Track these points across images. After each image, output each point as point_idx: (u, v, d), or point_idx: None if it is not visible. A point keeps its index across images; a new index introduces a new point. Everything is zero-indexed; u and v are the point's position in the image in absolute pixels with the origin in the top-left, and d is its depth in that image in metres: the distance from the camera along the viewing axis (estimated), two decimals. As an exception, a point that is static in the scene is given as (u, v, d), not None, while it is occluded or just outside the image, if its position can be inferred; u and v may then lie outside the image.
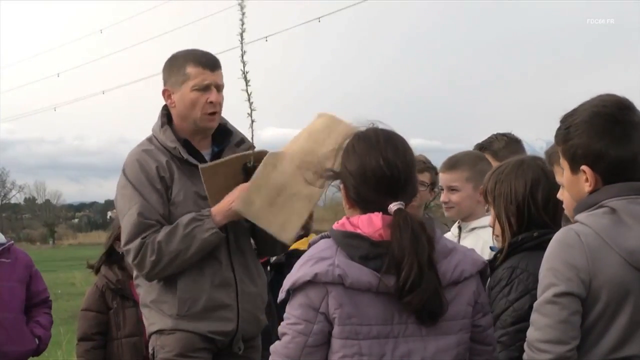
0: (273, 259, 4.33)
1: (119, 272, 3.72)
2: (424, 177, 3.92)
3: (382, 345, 1.82)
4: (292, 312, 1.85)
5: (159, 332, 2.92)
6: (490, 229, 2.44)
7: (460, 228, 3.21)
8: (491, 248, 2.68)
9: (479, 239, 3.01)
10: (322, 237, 1.93)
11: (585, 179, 1.95)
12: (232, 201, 2.85)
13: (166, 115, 3.03)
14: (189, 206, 2.91)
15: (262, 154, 2.91)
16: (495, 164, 3.24)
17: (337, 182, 1.99)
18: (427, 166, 3.96)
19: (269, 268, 4.31)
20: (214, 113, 2.97)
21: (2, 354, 3.76)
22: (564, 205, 2.09)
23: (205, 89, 2.94)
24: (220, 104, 2.98)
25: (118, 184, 2.99)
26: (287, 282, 1.86)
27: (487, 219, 2.61)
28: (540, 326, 1.87)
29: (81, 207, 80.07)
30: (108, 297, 3.69)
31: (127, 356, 3.62)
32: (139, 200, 2.87)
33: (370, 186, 1.89)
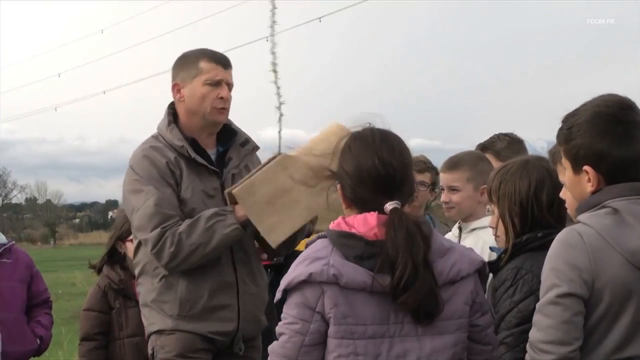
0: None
1: (122, 272, 3.72)
2: (425, 177, 3.92)
3: (378, 345, 1.82)
4: (289, 311, 1.85)
5: (159, 332, 2.91)
6: (491, 230, 2.44)
7: (460, 229, 3.20)
8: (491, 248, 2.68)
9: (479, 239, 3.00)
10: (319, 237, 1.94)
11: (588, 179, 1.94)
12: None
13: (172, 114, 3.03)
14: (196, 204, 2.89)
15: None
16: (497, 164, 3.24)
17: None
18: (428, 166, 3.96)
19: (268, 269, 4.31)
20: (223, 109, 2.98)
21: (3, 354, 3.76)
22: (566, 205, 2.09)
23: (217, 84, 2.96)
24: (229, 102, 3.00)
25: (125, 181, 2.95)
26: (283, 282, 1.87)
27: (488, 220, 2.61)
28: (543, 327, 1.87)
29: (82, 207, 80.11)
30: (110, 297, 3.69)
31: (129, 356, 3.61)
32: (155, 193, 2.83)
33: (366, 186, 1.89)
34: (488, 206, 2.80)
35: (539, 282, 1.97)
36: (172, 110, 3.04)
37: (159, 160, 2.90)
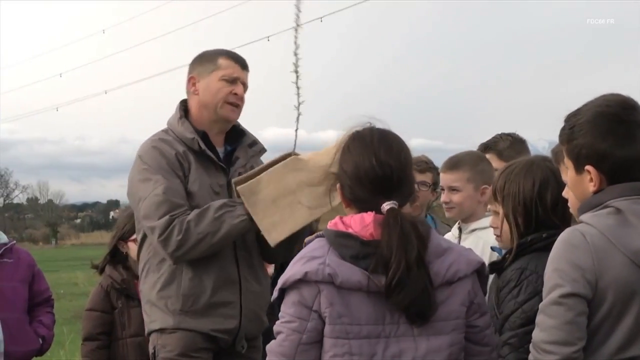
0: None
1: (124, 271, 3.72)
2: (426, 177, 3.92)
3: (373, 345, 1.82)
4: (286, 310, 1.86)
5: (160, 330, 2.90)
6: (491, 230, 2.44)
7: (460, 229, 3.20)
8: (492, 248, 2.68)
9: (480, 239, 3.00)
10: (317, 237, 1.94)
11: (590, 179, 1.94)
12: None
13: (183, 109, 3.05)
14: (203, 197, 2.89)
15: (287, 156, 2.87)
16: (499, 163, 3.24)
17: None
18: (429, 166, 3.96)
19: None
20: (236, 106, 3.00)
21: (6, 354, 3.76)
22: (568, 204, 2.09)
23: (233, 81, 2.99)
24: (243, 101, 3.03)
25: (133, 171, 2.94)
26: (280, 281, 1.88)
27: (488, 220, 2.61)
28: (546, 327, 1.86)
29: (84, 207, 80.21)
30: (113, 296, 3.69)
31: (132, 356, 3.61)
32: (164, 182, 2.82)
33: (364, 186, 1.90)
34: (488, 206, 2.80)
35: (543, 282, 1.97)
36: (184, 106, 3.07)
37: (168, 151, 2.90)
